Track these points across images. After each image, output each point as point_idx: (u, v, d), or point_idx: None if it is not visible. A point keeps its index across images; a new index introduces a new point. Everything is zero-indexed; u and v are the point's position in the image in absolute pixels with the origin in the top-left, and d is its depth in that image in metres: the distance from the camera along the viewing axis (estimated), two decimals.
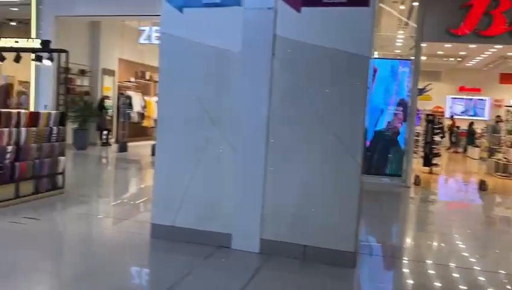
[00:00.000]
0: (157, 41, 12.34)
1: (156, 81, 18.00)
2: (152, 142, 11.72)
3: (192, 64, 4.76)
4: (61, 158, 6.89)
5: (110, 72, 14.98)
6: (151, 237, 4.91)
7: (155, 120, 16.23)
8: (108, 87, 14.91)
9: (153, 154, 12.25)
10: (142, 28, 12.39)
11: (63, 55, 7.15)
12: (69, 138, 11.23)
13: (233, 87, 4.63)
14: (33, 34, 11.81)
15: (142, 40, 12.35)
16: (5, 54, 8.39)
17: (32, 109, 12.31)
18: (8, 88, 14.04)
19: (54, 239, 5.05)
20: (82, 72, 13.85)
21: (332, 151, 4.33)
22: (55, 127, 6.70)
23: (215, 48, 4.65)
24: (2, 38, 7.98)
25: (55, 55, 7.88)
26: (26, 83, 13.66)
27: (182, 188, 4.76)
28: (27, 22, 12.81)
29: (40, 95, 12.41)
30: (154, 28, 12.21)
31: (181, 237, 4.77)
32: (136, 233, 5.35)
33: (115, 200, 7.49)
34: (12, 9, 13.20)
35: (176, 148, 4.83)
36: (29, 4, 12.23)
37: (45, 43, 7.50)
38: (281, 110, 4.48)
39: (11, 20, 15.31)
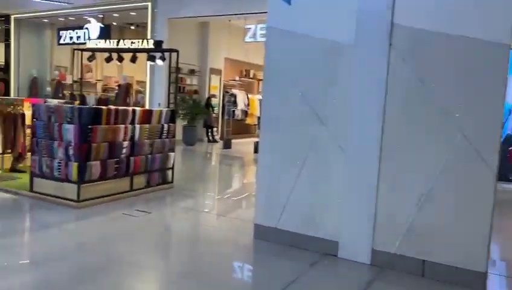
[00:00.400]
0: (262, 39, 12.38)
1: (259, 80, 18.21)
2: (255, 139, 11.80)
3: (299, 59, 4.51)
4: (171, 154, 7.16)
5: (217, 72, 15.46)
6: (254, 237, 4.78)
7: (258, 118, 16.53)
8: (215, 86, 15.42)
9: (256, 151, 12.35)
10: (248, 26, 12.50)
11: (174, 55, 7.47)
12: (179, 134, 11.79)
13: (344, 83, 4.28)
14: (149, 36, 12.62)
15: (247, 39, 12.47)
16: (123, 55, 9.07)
17: (147, 107, 13.23)
18: (127, 87, 15.27)
19: (162, 233, 5.19)
20: (192, 72, 14.49)
21: (461, 154, 3.75)
22: (166, 124, 6.97)
23: (324, 40, 4.34)
24: (120, 40, 8.57)
25: (166, 55, 8.23)
26: (143, 83, 14.73)
27: (287, 189, 4.55)
28: (144, 26, 13.79)
29: (154, 93, 13.26)
30: (260, 25, 12.23)
31: (284, 240, 4.57)
32: (240, 232, 5.29)
33: (219, 195, 7.59)
34: (132, 13, 14.27)
35: (281, 147, 4.63)
36: (146, 8, 13.13)
37: (158, 44, 7.87)
38: (399, 107, 4.01)
39: (131, 24, 16.65)
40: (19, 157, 7.05)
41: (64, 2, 14.85)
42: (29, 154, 6.62)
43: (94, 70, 18.50)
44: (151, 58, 7.91)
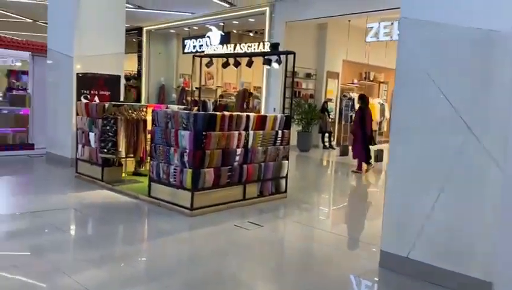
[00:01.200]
0: (385, 38, 11.40)
1: (380, 82, 17.03)
2: (375, 147, 10.84)
3: (441, 54, 3.70)
4: (285, 162, 6.74)
5: (334, 75, 14.77)
6: (380, 265, 4.08)
7: (378, 123, 15.39)
8: (331, 90, 14.75)
9: (377, 160, 11.37)
10: (370, 25, 11.62)
11: (291, 59, 7.08)
12: (293, 140, 11.41)
13: (499, 81, 3.37)
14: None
15: (369, 38, 11.59)
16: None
17: (263, 112, 13.14)
18: (244, 93, 15.42)
19: (273, 251, 4.76)
20: (308, 76, 14.05)
21: None
22: (280, 131, 6.58)
23: (474, 29, 3.47)
24: (237, 45, 8.48)
25: (283, 59, 7.87)
26: (260, 88, 14.73)
27: (423, 212, 3.76)
28: (262, 32, 13.76)
29: (270, 98, 13.11)
30: (383, 23, 11.28)
31: (416, 273, 3.79)
32: (361, 256, 4.62)
33: (336, 209, 6.96)
34: (250, 20, 14.35)
35: (416, 161, 3.85)
36: (264, 14, 13.06)
37: (274, 46, 7.55)
38: None
39: (250, 31, 16.85)
40: (140, 162, 7.30)
41: (187, 12, 15.60)
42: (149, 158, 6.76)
43: (215, 77, 19.17)
44: (267, 62, 7.63)
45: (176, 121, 5.68)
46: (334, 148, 13.94)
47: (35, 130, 9.96)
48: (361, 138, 9.74)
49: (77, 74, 8.54)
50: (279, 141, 6.57)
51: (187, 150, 5.52)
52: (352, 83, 15.61)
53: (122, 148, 6.71)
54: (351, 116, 13.77)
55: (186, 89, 18.21)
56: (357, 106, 14.21)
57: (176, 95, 18.51)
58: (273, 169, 6.53)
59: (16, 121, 9.97)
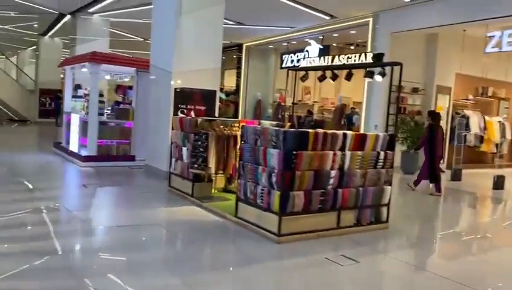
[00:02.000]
0: (510, 48, 9.91)
1: (500, 98, 15.05)
2: (493, 171, 9.39)
3: None
4: (387, 188, 5.96)
5: (445, 90, 13.34)
6: None
7: (497, 145, 13.51)
8: (441, 107, 13.31)
9: (496, 187, 9.85)
10: (490, 34, 10.20)
11: (396, 73, 6.35)
12: (396, 161, 10.38)
13: None
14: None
15: (489, 49, 10.16)
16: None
17: (362, 129, 12.28)
18: (342, 109, 14.68)
19: None
20: (414, 90, 12.86)
21: None
22: (382, 152, 5.84)
23: None
24: (335, 57, 7.91)
25: (387, 72, 7.13)
26: (359, 104, 13.89)
27: None
28: (364, 45, 12.98)
29: (370, 115, 12.22)
30: (507, 32, 9.81)
31: None
32: None
33: (447, 245, 5.95)
34: (352, 32, 13.66)
35: None
36: (367, 25, 12.29)
37: (377, 57, 6.84)
38: None
39: (350, 44, 16.12)
40: (230, 178, 7.05)
41: (287, 27, 15.43)
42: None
43: (312, 92, 18.74)
44: (369, 74, 6.94)
45: (265, 138, 5.29)
46: (443, 171, 12.48)
47: (137, 142, 10.37)
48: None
49: (175, 88, 8.67)
50: (381, 164, 5.82)
51: (275, 170, 5.07)
52: (467, 99, 13.97)
53: (212, 164, 6.52)
54: (465, 136, 12.26)
55: (282, 104, 18.00)
56: (473, 125, 12.67)
57: (272, 111, 18.40)
58: (373, 195, 5.79)
59: (120, 133, 10.49)
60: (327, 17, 13.07)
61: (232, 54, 19.39)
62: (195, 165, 6.54)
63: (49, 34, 21.08)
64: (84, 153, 10.08)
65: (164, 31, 9.11)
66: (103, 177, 8.68)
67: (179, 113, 8.61)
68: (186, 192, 7.05)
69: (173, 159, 7.49)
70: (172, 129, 7.67)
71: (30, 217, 5.48)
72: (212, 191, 7.00)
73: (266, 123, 7.66)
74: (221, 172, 6.71)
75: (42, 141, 14.76)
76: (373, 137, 5.78)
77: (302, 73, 8.96)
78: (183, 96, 8.71)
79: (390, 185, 6.02)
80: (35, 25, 19.14)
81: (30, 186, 7.17)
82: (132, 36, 19.12)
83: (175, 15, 8.61)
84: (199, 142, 6.51)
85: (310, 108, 18.14)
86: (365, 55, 7.10)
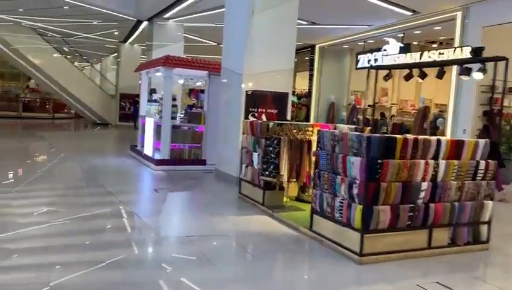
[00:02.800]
0: None
1: None
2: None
3: None
4: (488, 203, 5.11)
5: None
6: None
7: None
8: None
9: None
10: None
11: (490, 69, 5.46)
12: None
13: None
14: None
15: None
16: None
17: (448, 134, 11.15)
18: (425, 111, 13.53)
19: None
20: (511, 91, 11.44)
21: None
22: (483, 161, 5.01)
23: None
24: (424, 53, 7.10)
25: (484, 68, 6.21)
26: (443, 106, 12.71)
27: None
28: (448, 42, 11.83)
29: (458, 118, 11.05)
30: None
31: None
32: None
33: None
34: (436, 28, 12.54)
35: None
36: (454, 19, 11.15)
37: (476, 52, 5.96)
38: None
39: (433, 42, 14.89)
40: (303, 187, 6.55)
41: (364, 25, 14.61)
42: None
43: (390, 94, 17.70)
44: (466, 72, 6.07)
45: (344, 145, 4.73)
46: None
47: (208, 146, 10.25)
48: None
49: (246, 91, 8.36)
50: (481, 175, 5.00)
51: (357, 181, 4.50)
52: None
53: (284, 171, 6.07)
54: None
55: (358, 106, 17.15)
56: None
57: (346, 114, 17.58)
58: (471, 211, 4.98)
59: (192, 137, 10.42)
60: (409, 13, 12.10)
61: (304, 55, 18.85)
62: (266, 173, 6.13)
63: (129, 41, 22.03)
64: (157, 156, 10.15)
65: (236, 32, 8.86)
66: (174, 182, 8.61)
67: (250, 116, 8.29)
68: (256, 200, 6.67)
69: (243, 165, 7.17)
70: (243, 133, 7.35)
71: (99, 223, 5.41)
72: (284, 199, 6.55)
73: (343, 127, 7.06)
74: (294, 180, 6.24)
75: (120, 144, 15.30)
76: (472, 144, 4.97)
77: (383, 72, 8.20)
78: (254, 99, 8.38)
79: (491, 199, 5.16)
80: (116, 33, 20.07)
81: (104, 190, 7.22)
82: (205, 41, 19.34)
83: (247, 15, 8.32)
84: (270, 148, 6.10)
85: (387, 111, 17.11)
86: (461, 49, 6.25)
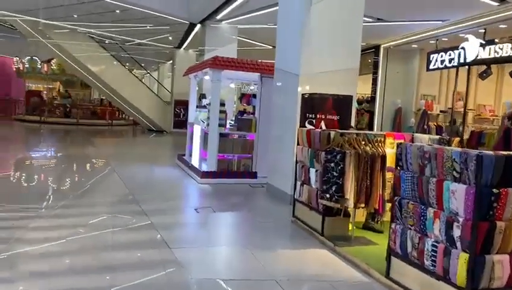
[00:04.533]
0: None
1: None
2: None
3: None
4: None
5: None
6: None
7: None
8: None
9: None
10: None
11: None
12: None
13: None
14: None
15: None
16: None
17: None
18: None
19: None
20: None
21: None
22: None
23: None
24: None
25: None
26: None
27: None
28: None
29: None
30: None
31: None
32: None
33: None
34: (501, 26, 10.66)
35: None
36: None
37: None
38: None
39: None
40: (374, 214, 5.20)
41: (438, 20, 12.89)
42: (389, 209, 4.66)
43: (466, 98, 15.73)
44: None
45: (439, 165, 3.39)
46: None
47: (259, 157, 9.15)
48: None
49: (303, 94, 7.16)
50: None
51: (460, 218, 3.15)
52: None
53: (350, 194, 4.79)
54: None
55: (429, 112, 15.36)
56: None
57: (415, 120, 15.81)
58: None
59: (242, 146, 9.37)
60: (495, 3, 10.32)
61: (367, 57, 17.28)
62: (327, 195, 4.88)
63: (183, 46, 21.60)
64: (204, 167, 9.20)
65: (291, 26, 7.68)
66: (220, 198, 7.57)
67: (307, 124, 7.07)
68: (314, 227, 5.43)
69: (298, 183, 5.96)
70: (298, 144, 6.15)
71: (116, 256, 4.41)
72: (350, 228, 5.25)
73: (422, 137, 5.64)
74: (363, 205, 4.92)
75: (170, 153, 14.64)
76: None
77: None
78: (312, 104, 7.14)
79: None
80: (170, 38, 19.65)
81: (138, 208, 6.31)
82: (259, 44, 18.36)
83: (305, 5, 7.13)
84: (332, 164, 4.84)
85: (460, 116, 15.18)
86: None
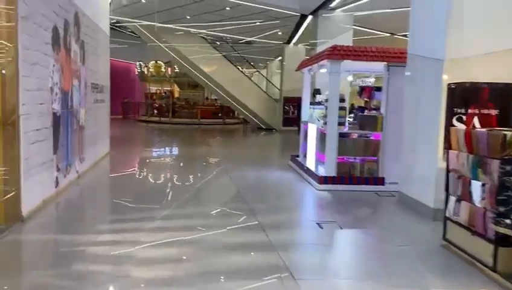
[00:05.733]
0: None
1: None
2: None
3: None
4: None
5: None
6: None
7: None
8: None
9: None
10: None
11: None
12: None
13: None
14: None
15: None
16: None
17: None
18: None
19: None
20: None
21: None
22: None
23: None
24: None
25: None
26: None
27: None
28: None
29: None
30: None
31: None
32: None
33: None
34: None
35: None
36: None
37: None
38: None
39: None
40: None
41: None
42: None
43: None
44: None
45: None
46: None
47: (386, 160, 7.87)
48: None
49: (449, 84, 5.75)
50: None
51: None
52: None
53: None
54: None
55: None
56: None
57: None
58: None
59: (365, 148, 8.18)
60: None
61: None
62: (506, 221, 3.54)
63: (293, 41, 20.80)
64: (321, 171, 8.22)
65: (431, 4, 6.30)
66: (344, 209, 6.53)
67: (454, 121, 5.67)
68: (479, 259, 4.10)
69: (452, 197, 4.64)
70: (449, 148, 4.82)
71: (226, 286, 3.66)
72: None
73: None
74: None
75: (282, 153, 13.96)
76: None
77: None
78: (461, 96, 5.70)
79: None
80: (280, 33, 19.00)
81: (254, 220, 5.56)
82: (378, 32, 16.73)
83: None
84: None
85: None
86: None
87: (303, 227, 5.77)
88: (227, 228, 5.24)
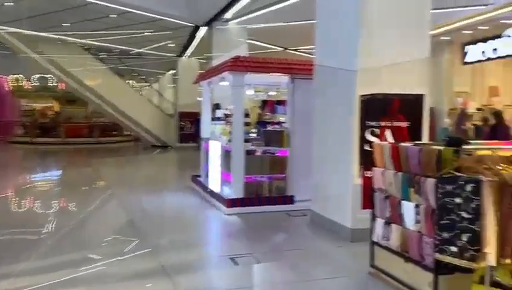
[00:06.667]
0: None
1: None
2: None
3: None
4: None
5: None
6: None
7: None
8: None
9: None
10: None
11: None
12: None
13: None
14: None
15: None
16: None
17: None
18: None
19: None
20: None
21: None
22: None
23: None
24: None
25: None
26: None
27: None
28: None
29: None
30: None
31: None
32: None
33: None
34: None
35: None
36: None
37: None
38: None
39: None
40: None
41: (479, 5, 11.26)
42: None
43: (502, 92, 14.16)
44: None
45: None
46: None
47: (295, 177, 7.43)
48: None
49: (361, 96, 5.46)
50: None
51: None
52: None
53: (490, 247, 3.04)
54: None
55: (466, 111, 13.72)
56: None
57: (451, 120, 14.13)
58: None
59: (271, 165, 7.65)
60: None
61: None
62: (452, 249, 3.14)
63: (187, 54, 19.93)
64: (227, 192, 7.48)
65: (342, 6, 5.98)
66: (257, 237, 5.85)
67: (367, 134, 5.41)
68: (416, 289, 3.69)
69: (379, 220, 4.22)
70: (371, 165, 4.43)
71: None
72: (473, 288, 3.49)
73: None
74: (508, 261, 3.16)
75: (180, 172, 12.97)
76: None
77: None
78: (373, 108, 5.44)
79: None
80: (172, 45, 18.01)
81: (155, 262, 4.57)
82: (271, 46, 16.71)
83: None
84: (458, 199, 3.11)
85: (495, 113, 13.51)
86: None
87: (216, 265, 4.89)
88: (117, 278, 4.16)
